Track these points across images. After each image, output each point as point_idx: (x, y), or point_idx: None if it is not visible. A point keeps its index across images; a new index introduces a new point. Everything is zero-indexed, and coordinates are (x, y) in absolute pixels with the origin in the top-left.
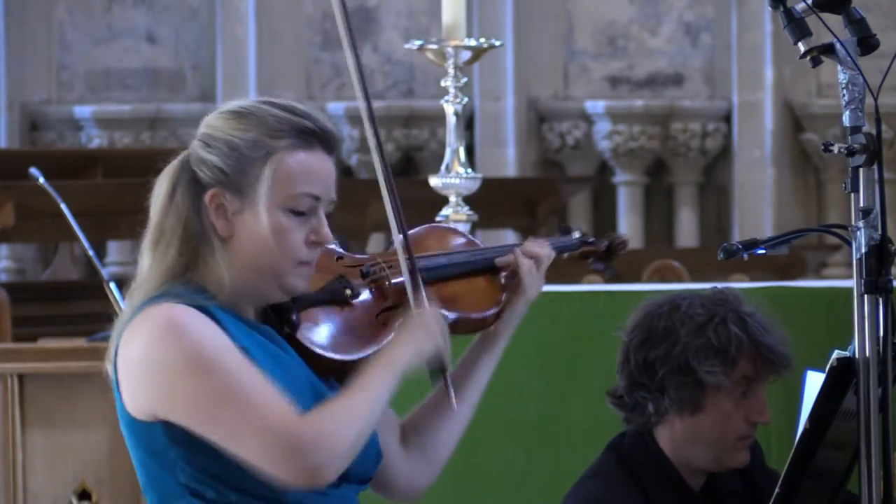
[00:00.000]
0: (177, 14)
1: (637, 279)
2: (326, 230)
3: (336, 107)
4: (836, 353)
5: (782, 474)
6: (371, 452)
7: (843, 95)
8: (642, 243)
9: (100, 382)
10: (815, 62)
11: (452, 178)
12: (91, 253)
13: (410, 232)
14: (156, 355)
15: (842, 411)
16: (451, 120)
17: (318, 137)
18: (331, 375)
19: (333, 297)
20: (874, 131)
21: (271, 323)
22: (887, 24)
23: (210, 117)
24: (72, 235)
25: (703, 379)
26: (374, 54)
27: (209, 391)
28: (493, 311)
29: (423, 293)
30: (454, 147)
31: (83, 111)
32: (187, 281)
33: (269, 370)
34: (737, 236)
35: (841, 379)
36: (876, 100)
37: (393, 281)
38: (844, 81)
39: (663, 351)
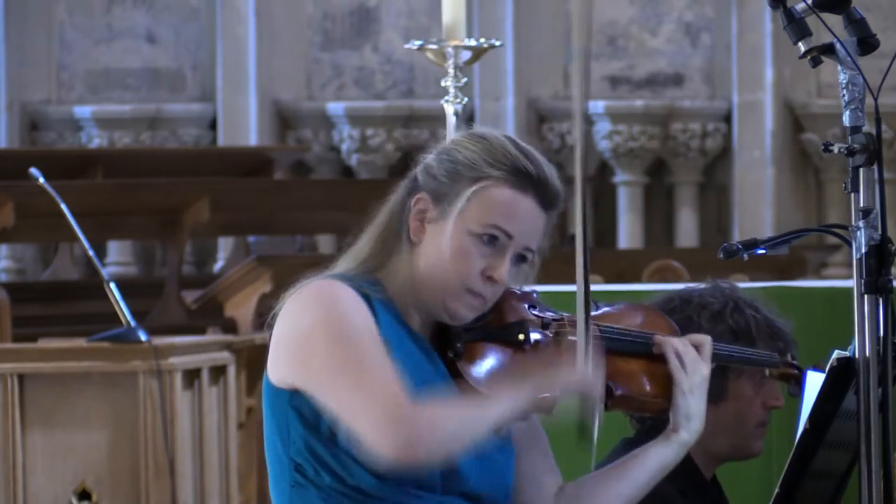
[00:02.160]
0: (177, 14)
1: (637, 279)
2: (504, 271)
3: (336, 107)
4: (836, 353)
5: (782, 474)
6: (495, 477)
7: (843, 95)
8: (642, 243)
9: (100, 382)
10: (815, 62)
11: None
12: (91, 253)
13: (614, 306)
14: (302, 320)
15: (842, 411)
16: (451, 120)
17: (535, 184)
18: None
19: (507, 337)
20: (874, 131)
21: (437, 344)
22: (887, 24)
23: (456, 134)
24: (72, 235)
25: (726, 365)
26: (374, 54)
27: (338, 356)
28: (664, 397)
29: (591, 357)
30: None
31: (83, 111)
32: (370, 272)
33: (406, 367)
34: (737, 236)
35: (841, 379)
36: (876, 100)
37: (569, 338)
38: (844, 81)
39: None
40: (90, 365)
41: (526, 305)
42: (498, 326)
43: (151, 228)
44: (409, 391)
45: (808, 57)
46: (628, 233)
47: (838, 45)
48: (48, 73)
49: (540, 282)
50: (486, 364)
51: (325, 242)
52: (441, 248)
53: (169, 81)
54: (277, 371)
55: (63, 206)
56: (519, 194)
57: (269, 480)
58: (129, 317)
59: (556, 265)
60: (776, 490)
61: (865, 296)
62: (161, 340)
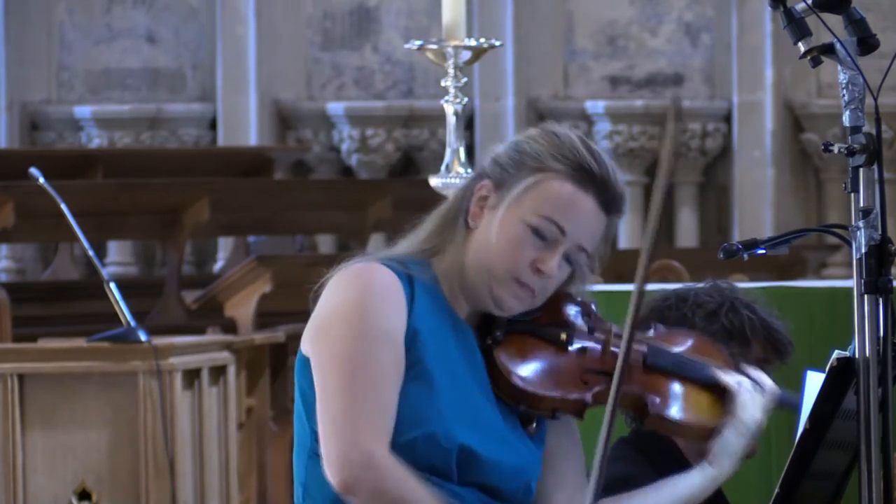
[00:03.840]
0: (177, 14)
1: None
2: (553, 264)
3: (335, 107)
4: (836, 353)
5: (782, 474)
6: (516, 472)
7: (843, 95)
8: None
9: (100, 382)
10: (815, 62)
11: (452, 178)
12: (91, 253)
13: (673, 329)
14: (333, 299)
15: (842, 411)
16: (451, 120)
17: (596, 183)
18: (507, 398)
19: (548, 334)
20: (874, 131)
21: (480, 330)
22: (887, 24)
23: (533, 128)
24: (72, 235)
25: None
26: (374, 54)
27: (345, 350)
28: (696, 424)
29: (623, 369)
30: (454, 147)
31: (83, 111)
32: (424, 252)
33: (434, 352)
34: (737, 236)
35: (841, 379)
36: (876, 100)
37: (613, 350)
38: (844, 81)
39: None
40: (90, 365)
41: (579, 311)
42: (544, 323)
43: (151, 228)
44: (390, 428)
45: (808, 57)
46: (628, 233)
47: (838, 45)
48: (48, 73)
49: None
50: (523, 356)
51: (325, 242)
52: (495, 232)
53: (169, 81)
54: (306, 340)
55: (63, 206)
56: (579, 191)
57: (294, 450)
58: (129, 317)
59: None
60: (776, 490)
61: (865, 296)
62: (161, 340)
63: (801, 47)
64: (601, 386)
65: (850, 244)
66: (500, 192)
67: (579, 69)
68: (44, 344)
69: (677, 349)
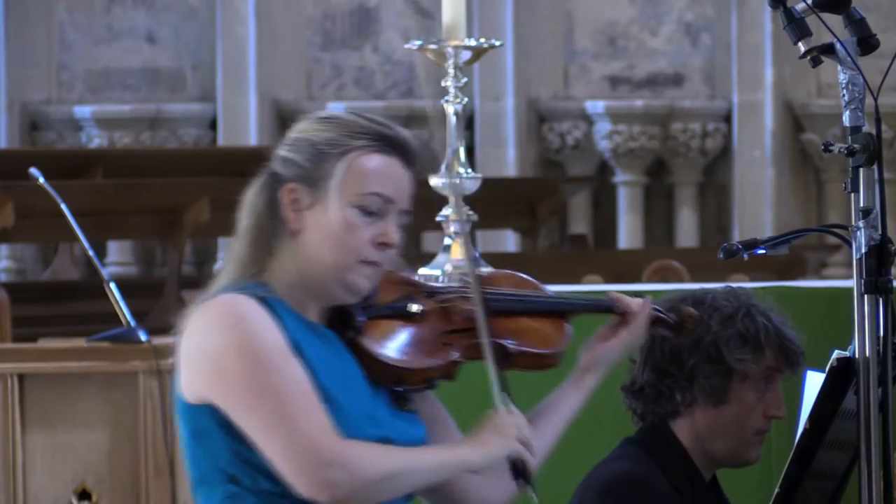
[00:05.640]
0: (177, 14)
1: (637, 279)
2: (395, 233)
3: (335, 107)
4: (836, 353)
5: (782, 474)
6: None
7: (843, 95)
8: (642, 243)
9: (100, 382)
10: (815, 62)
11: (452, 178)
12: (91, 253)
13: (492, 271)
14: (213, 340)
15: (842, 411)
16: (451, 120)
17: (395, 146)
18: (387, 382)
19: (400, 311)
20: (874, 131)
21: (335, 327)
22: (887, 24)
23: (298, 124)
24: (72, 235)
25: (732, 367)
26: (374, 54)
27: (253, 381)
28: (554, 350)
29: (487, 322)
30: (454, 147)
31: (83, 111)
32: (255, 275)
33: (319, 367)
34: (737, 236)
35: (841, 379)
36: (876, 100)
37: (460, 307)
38: (844, 81)
39: (692, 341)
40: (90, 365)
41: (409, 279)
42: (389, 302)
43: (151, 228)
44: (329, 420)
45: (808, 57)
46: (628, 233)
47: (838, 45)
48: (48, 73)
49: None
50: (386, 338)
51: None
52: (327, 228)
53: (169, 81)
54: (193, 389)
55: (63, 206)
56: (386, 157)
57: (195, 495)
58: (129, 317)
59: (555, 265)
60: (776, 490)
61: (865, 296)
62: (161, 340)
63: (801, 47)
64: (463, 342)
65: (850, 244)
66: (312, 189)
67: (579, 69)
68: (44, 344)
69: (506, 288)
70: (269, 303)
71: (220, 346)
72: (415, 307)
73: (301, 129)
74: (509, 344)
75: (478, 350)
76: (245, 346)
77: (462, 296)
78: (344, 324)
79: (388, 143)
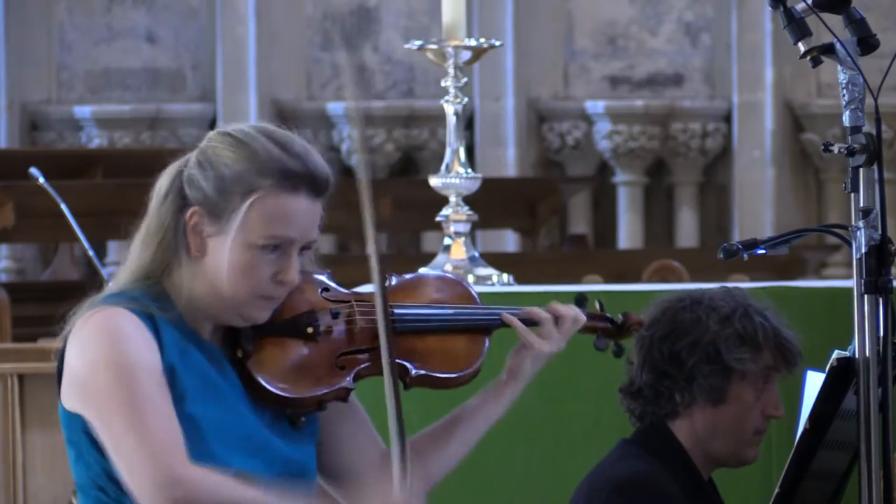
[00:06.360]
0: (177, 14)
1: (637, 279)
2: (293, 272)
3: (335, 107)
4: (836, 353)
5: (782, 474)
6: (300, 477)
7: (843, 95)
8: (642, 243)
9: None
10: (815, 62)
11: (452, 178)
12: (91, 253)
13: (407, 276)
14: (87, 353)
15: (842, 411)
16: (451, 120)
17: (305, 181)
18: (272, 406)
19: (295, 331)
20: (874, 131)
21: (226, 345)
22: (887, 24)
23: (213, 134)
24: (72, 235)
25: (731, 367)
26: (374, 54)
27: (114, 395)
28: (463, 373)
29: (388, 344)
30: (454, 147)
31: (83, 111)
32: (154, 284)
33: (192, 392)
34: (737, 236)
35: (841, 379)
36: (876, 100)
37: (361, 326)
38: (844, 81)
39: (691, 341)
40: None
41: (317, 290)
42: (285, 320)
43: None
44: (182, 444)
45: (808, 57)
46: (628, 233)
47: (838, 45)
48: (48, 73)
49: (537, 282)
50: (275, 363)
51: (324, 242)
52: (226, 263)
53: (169, 81)
54: (67, 396)
55: (63, 206)
56: (292, 197)
57: (78, 498)
58: None
59: (555, 265)
60: (776, 490)
61: (865, 296)
62: None
63: (801, 47)
64: (359, 365)
65: (850, 244)
66: (215, 221)
67: (579, 69)
68: (44, 344)
69: (421, 299)
70: (153, 320)
71: (91, 360)
72: (310, 328)
73: (214, 149)
74: (411, 367)
75: (376, 371)
76: (113, 361)
77: (365, 312)
78: (234, 343)
79: (297, 180)
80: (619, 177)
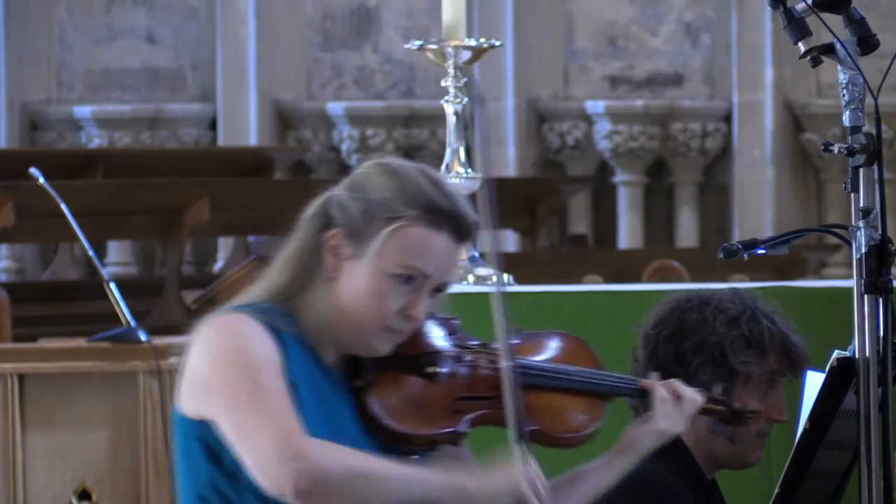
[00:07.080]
0: (177, 14)
1: (637, 279)
2: (421, 309)
3: (335, 106)
4: (836, 353)
5: (782, 474)
6: None
7: (843, 95)
8: (642, 243)
9: (100, 382)
10: (815, 62)
11: (452, 178)
12: (91, 253)
13: (532, 332)
14: (207, 351)
15: (842, 411)
16: (451, 120)
17: (449, 219)
18: (385, 441)
19: (417, 368)
20: (874, 131)
21: (348, 370)
22: (887, 24)
23: (369, 162)
24: (72, 235)
25: (735, 369)
26: (374, 54)
27: (237, 385)
28: (579, 434)
29: (513, 394)
30: (454, 147)
31: (83, 111)
32: (285, 302)
33: (311, 412)
34: (737, 236)
35: (841, 379)
36: (876, 100)
37: (484, 373)
38: (844, 81)
39: (697, 342)
40: (90, 365)
41: (444, 334)
42: (410, 356)
43: (151, 228)
44: (306, 429)
45: (808, 57)
46: (628, 233)
47: (838, 45)
48: (48, 73)
49: (537, 281)
50: (393, 398)
51: None
52: (358, 287)
53: (169, 81)
54: (185, 401)
55: (63, 206)
56: (434, 232)
57: None
58: (129, 317)
59: (555, 265)
60: (776, 490)
61: (865, 296)
62: (161, 340)
63: (801, 47)
64: (476, 412)
65: (850, 244)
66: (354, 244)
67: (579, 69)
68: (44, 344)
69: (546, 355)
70: (280, 335)
71: (214, 356)
72: (433, 368)
73: (365, 174)
74: (528, 423)
75: (492, 419)
76: (237, 354)
77: (490, 363)
78: (355, 372)
79: (440, 217)
80: (619, 177)
